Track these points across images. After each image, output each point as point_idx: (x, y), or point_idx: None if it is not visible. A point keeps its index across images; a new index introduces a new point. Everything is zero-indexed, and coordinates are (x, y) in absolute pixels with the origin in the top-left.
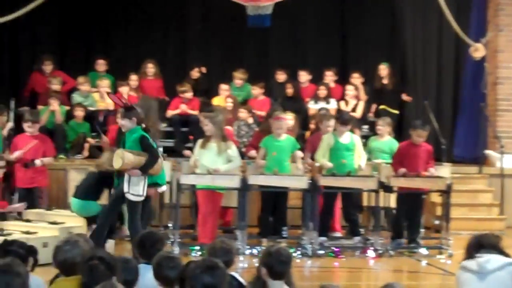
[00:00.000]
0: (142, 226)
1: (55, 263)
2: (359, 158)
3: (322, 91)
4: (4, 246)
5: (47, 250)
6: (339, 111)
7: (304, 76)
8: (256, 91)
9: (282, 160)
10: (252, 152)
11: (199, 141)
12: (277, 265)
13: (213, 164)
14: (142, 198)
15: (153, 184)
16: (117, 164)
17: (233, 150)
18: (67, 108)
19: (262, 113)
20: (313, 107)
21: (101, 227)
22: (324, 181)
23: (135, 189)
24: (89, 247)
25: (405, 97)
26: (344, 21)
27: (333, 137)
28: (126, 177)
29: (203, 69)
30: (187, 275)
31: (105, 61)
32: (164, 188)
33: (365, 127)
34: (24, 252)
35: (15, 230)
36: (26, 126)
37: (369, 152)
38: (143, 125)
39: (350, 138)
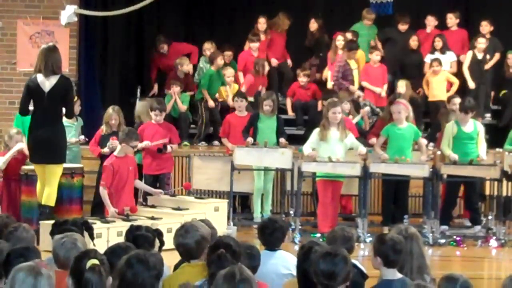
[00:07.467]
0: None
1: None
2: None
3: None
4: (132, 231)
5: (171, 236)
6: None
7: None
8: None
9: (403, 148)
10: (373, 140)
11: (317, 130)
12: (391, 254)
13: (333, 153)
14: None
15: None
16: None
17: (351, 137)
18: (191, 93)
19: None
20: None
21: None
22: (446, 170)
23: None
24: (207, 232)
25: None
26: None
27: (456, 126)
28: None
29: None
30: (309, 262)
31: (231, 51)
32: None
33: (488, 115)
34: (151, 236)
35: (140, 216)
36: (153, 114)
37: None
38: None
39: (473, 126)
